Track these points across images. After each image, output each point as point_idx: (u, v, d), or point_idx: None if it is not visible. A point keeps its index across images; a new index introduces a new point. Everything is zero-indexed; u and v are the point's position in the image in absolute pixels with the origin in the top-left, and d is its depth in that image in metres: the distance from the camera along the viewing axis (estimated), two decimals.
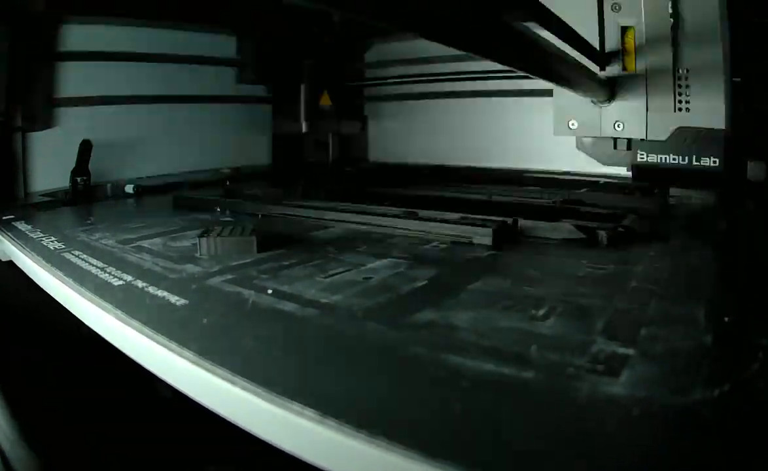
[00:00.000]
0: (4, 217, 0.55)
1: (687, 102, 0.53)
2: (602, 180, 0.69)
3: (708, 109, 0.52)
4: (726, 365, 0.22)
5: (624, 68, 0.55)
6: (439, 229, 0.41)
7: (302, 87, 0.95)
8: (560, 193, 0.59)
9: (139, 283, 0.31)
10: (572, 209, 0.49)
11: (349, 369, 0.21)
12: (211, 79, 0.97)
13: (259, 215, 0.52)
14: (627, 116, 0.56)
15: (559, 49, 0.38)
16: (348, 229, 0.46)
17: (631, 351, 0.22)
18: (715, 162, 0.53)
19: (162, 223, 0.50)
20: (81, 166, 0.68)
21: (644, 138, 0.56)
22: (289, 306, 0.27)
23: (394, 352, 0.23)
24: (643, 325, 0.25)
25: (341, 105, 1.03)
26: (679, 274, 0.33)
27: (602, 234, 0.38)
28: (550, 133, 0.64)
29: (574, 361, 0.21)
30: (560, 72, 0.40)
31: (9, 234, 0.48)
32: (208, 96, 0.96)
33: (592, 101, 0.57)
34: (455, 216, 0.42)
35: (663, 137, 0.54)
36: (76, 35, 0.75)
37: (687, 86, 0.53)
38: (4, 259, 0.50)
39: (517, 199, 0.58)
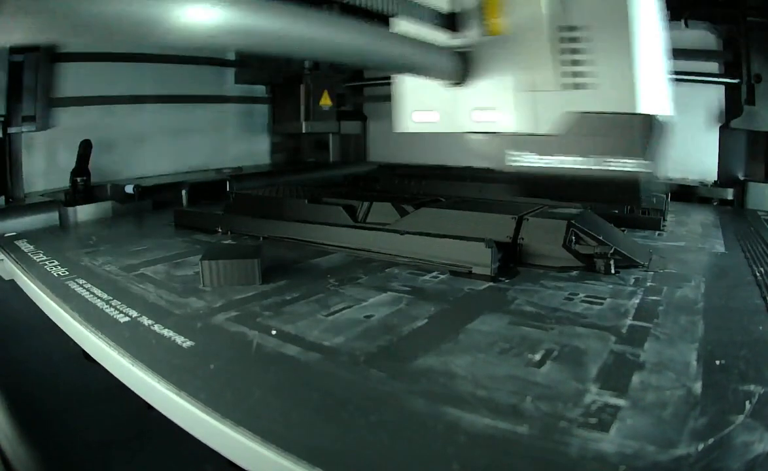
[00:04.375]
0: (6, 235, 0.56)
1: (582, 74, 0.34)
2: None
3: (615, 87, 0.33)
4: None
5: (488, 30, 0.36)
6: (438, 256, 0.42)
7: (302, 87, 0.95)
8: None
9: (145, 320, 0.32)
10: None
11: (349, 423, 0.22)
12: (211, 79, 0.97)
13: (261, 238, 0.53)
14: (494, 99, 0.37)
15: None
16: (348, 254, 0.47)
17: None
18: (633, 164, 0.35)
19: (164, 245, 0.51)
20: (81, 166, 0.69)
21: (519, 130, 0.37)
22: (292, 349, 0.28)
23: (394, 404, 0.23)
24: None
25: (341, 105, 1.03)
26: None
27: (599, 262, 0.40)
28: None
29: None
30: (383, 54, 0.29)
31: (12, 255, 0.48)
32: (208, 96, 0.96)
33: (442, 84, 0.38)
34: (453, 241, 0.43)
35: (545, 129, 0.36)
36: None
37: (578, 50, 0.34)
38: (6, 278, 0.50)
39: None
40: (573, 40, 0.34)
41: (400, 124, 0.43)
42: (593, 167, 0.35)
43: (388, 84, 0.45)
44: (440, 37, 0.36)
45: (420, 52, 0.33)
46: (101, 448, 0.34)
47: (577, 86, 0.34)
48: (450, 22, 0.37)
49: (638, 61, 0.33)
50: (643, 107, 0.34)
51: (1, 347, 0.45)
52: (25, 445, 0.34)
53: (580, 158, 0.36)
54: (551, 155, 0.37)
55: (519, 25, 0.35)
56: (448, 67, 0.36)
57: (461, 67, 0.37)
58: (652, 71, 0.35)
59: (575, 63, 0.34)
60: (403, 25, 0.34)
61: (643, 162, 0.35)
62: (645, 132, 0.34)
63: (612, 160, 0.35)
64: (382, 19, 0.31)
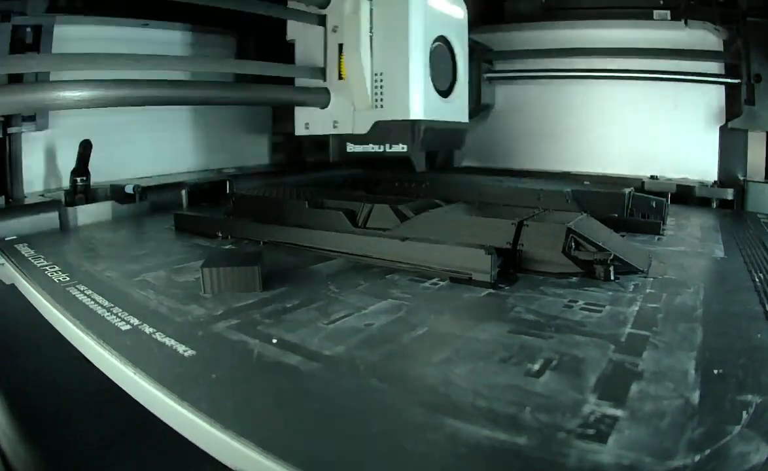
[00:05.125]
0: (6, 238, 0.56)
1: (381, 100, 0.66)
2: None
3: (397, 105, 0.65)
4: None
5: (339, 77, 0.68)
6: (438, 262, 0.42)
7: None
8: None
9: (147, 328, 0.32)
10: None
11: (349, 433, 0.22)
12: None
13: (261, 242, 0.53)
14: (341, 115, 0.69)
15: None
16: (348, 260, 0.47)
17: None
18: (403, 148, 0.65)
19: (164, 250, 0.51)
20: (81, 167, 0.69)
21: (352, 132, 0.68)
22: (293, 358, 0.28)
23: (394, 414, 0.24)
24: None
25: None
26: None
27: (599, 269, 0.40)
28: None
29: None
30: (285, 100, 0.68)
31: (13, 260, 0.48)
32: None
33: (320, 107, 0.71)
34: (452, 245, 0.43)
35: (365, 131, 0.67)
36: (74, 36, 0.74)
37: (381, 87, 0.65)
38: (7, 282, 0.50)
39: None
40: (379, 81, 0.66)
41: (298, 130, 0.74)
42: (381, 150, 0.67)
43: None
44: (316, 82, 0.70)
45: (301, 94, 0.70)
46: (101, 448, 0.34)
47: (378, 106, 0.66)
48: (322, 73, 0.70)
49: (411, 93, 0.64)
50: (412, 116, 0.65)
51: (1, 347, 0.46)
52: (25, 445, 0.34)
53: (378, 146, 0.67)
54: (366, 144, 0.68)
55: (351, 73, 0.66)
56: (318, 99, 0.69)
57: (325, 98, 0.69)
58: (425, 97, 0.66)
59: (378, 93, 0.66)
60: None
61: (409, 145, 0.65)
62: (413, 129, 0.65)
63: (395, 145, 0.66)
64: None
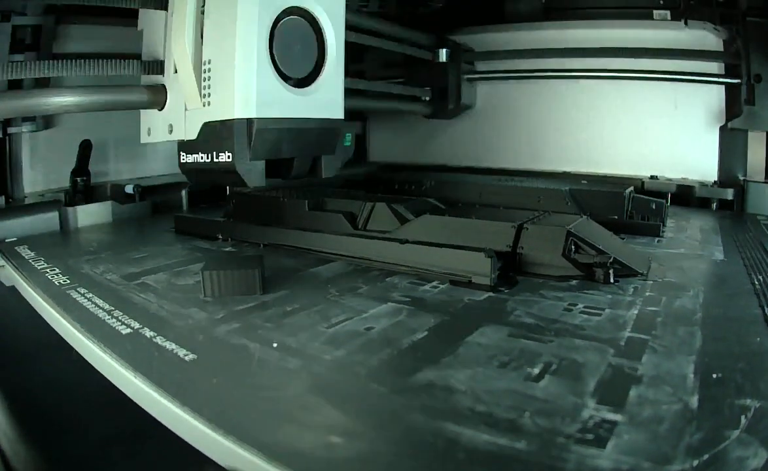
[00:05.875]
0: (6, 240, 0.56)
1: (209, 95, 0.49)
2: None
3: (223, 100, 0.48)
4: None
5: (175, 70, 0.52)
6: (438, 265, 0.42)
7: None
8: None
9: (147, 332, 0.32)
10: None
11: (350, 439, 0.22)
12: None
13: (261, 245, 0.53)
14: (175, 118, 0.53)
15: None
16: (348, 262, 0.47)
17: None
18: (229, 156, 0.48)
19: (164, 253, 0.51)
20: (81, 167, 0.69)
21: (184, 138, 0.52)
22: (294, 363, 0.28)
23: (395, 419, 0.24)
24: None
25: None
26: None
27: (599, 272, 0.40)
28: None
29: None
30: (104, 103, 0.51)
31: (13, 262, 0.49)
32: None
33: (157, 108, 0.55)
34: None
35: (194, 135, 0.51)
36: (74, 35, 0.74)
37: (209, 78, 0.49)
38: (7, 284, 0.50)
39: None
40: (207, 71, 0.49)
41: (143, 137, 0.59)
42: (205, 160, 0.51)
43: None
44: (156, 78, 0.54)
45: (125, 94, 0.54)
46: (101, 448, 0.34)
47: (207, 104, 0.50)
48: (159, 67, 0.54)
49: (236, 83, 0.48)
50: (239, 114, 0.48)
51: (1, 348, 0.46)
52: (25, 445, 0.34)
53: (206, 155, 0.51)
54: (196, 153, 0.52)
55: (180, 64, 0.50)
56: (148, 100, 0.54)
57: (156, 98, 0.54)
58: (263, 88, 0.49)
59: (206, 87, 0.50)
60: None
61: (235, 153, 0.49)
62: (240, 132, 0.49)
63: (221, 153, 0.49)
64: None
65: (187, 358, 0.29)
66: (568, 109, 1.00)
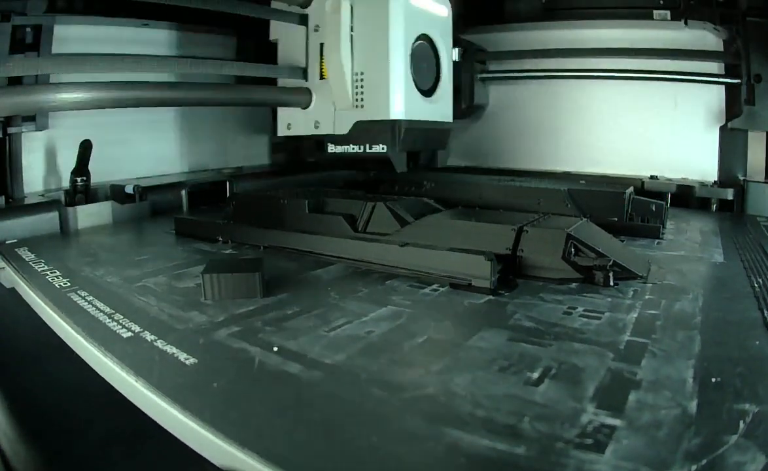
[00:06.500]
0: (7, 241, 0.56)
1: (362, 99, 0.65)
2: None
3: (377, 104, 0.64)
4: None
5: (321, 77, 0.67)
6: (438, 268, 0.42)
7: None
8: None
9: (148, 336, 0.32)
10: None
11: (351, 443, 0.22)
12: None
13: (261, 247, 0.53)
14: (322, 116, 0.68)
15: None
16: (348, 265, 0.47)
17: None
18: (383, 148, 0.64)
19: (165, 255, 0.51)
20: (81, 167, 0.69)
21: (333, 133, 0.68)
22: (294, 367, 0.28)
23: (395, 424, 0.24)
24: None
25: None
26: None
27: (598, 275, 0.40)
28: None
29: None
30: (266, 100, 0.69)
31: (13, 264, 0.49)
32: None
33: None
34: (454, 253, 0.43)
35: (345, 131, 0.66)
36: (74, 35, 0.74)
37: (362, 86, 0.64)
38: (7, 286, 0.50)
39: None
40: (359, 80, 0.65)
41: (281, 131, 0.74)
42: (361, 150, 0.66)
43: None
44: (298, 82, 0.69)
45: (282, 94, 0.70)
46: (101, 448, 0.34)
47: (358, 106, 0.65)
48: (304, 73, 0.70)
49: (391, 92, 0.64)
50: (392, 116, 0.64)
51: (1, 348, 0.46)
52: (25, 445, 0.34)
53: (358, 147, 0.66)
54: (347, 144, 0.67)
55: (332, 73, 0.65)
56: (300, 99, 0.68)
57: (306, 98, 0.69)
58: (406, 96, 0.65)
59: (358, 93, 0.65)
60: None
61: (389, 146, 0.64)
62: (393, 129, 0.65)
63: (375, 145, 0.65)
64: None
65: (187, 362, 0.29)
66: (568, 109, 1.00)
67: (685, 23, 0.87)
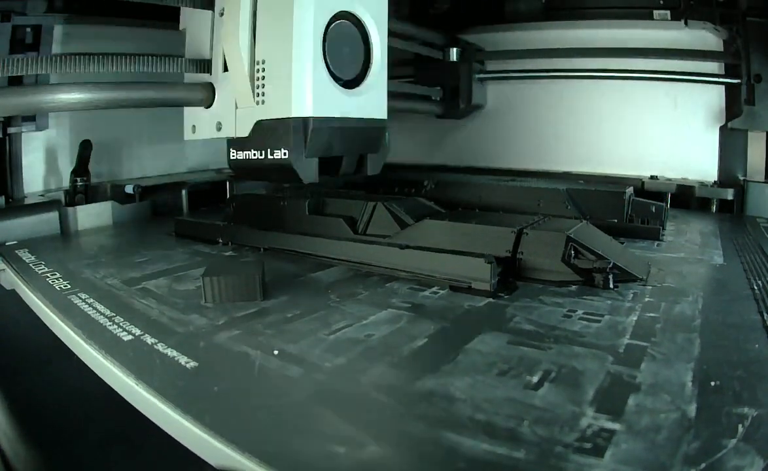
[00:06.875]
0: (7, 243, 0.56)
1: (263, 94, 0.51)
2: None
3: (280, 99, 0.50)
4: None
5: (224, 69, 0.54)
6: (438, 271, 0.42)
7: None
8: None
9: (148, 339, 0.32)
10: None
11: (351, 447, 0.22)
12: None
13: (261, 249, 0.53)
14: (224, 115, 0.55)
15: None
16: (348, 267, 0.47)
17: None
18: (285, 154, 0.50)
19: (165, 257, 0.52)
20: (81, 167, 0.69)
21: (234, 136, 0.54)
22: (295, 371, 0.28)
23: (396, 429, 0.24)
24: None
25: None
26: None
27: (598, 277, 0.40)
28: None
29: None
30: (156, 100, 0.54)
31: (14, 266, 0.49)
32: None
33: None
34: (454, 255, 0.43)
35: (246, 133, 0.53)
36: (73, 35, 0.74)
37: (263, 78, 0.51)
38: (8, 288, 0.50)
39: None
40: (261, 70, 0.51)
41: (186, 134, 0.60)
42: (258, 157, 0.52)
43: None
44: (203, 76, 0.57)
45: (175, 91, 0.56)
46: (101, 448, 0.34)
47: (260, 102, 0.51)
48: (207, 65, 0.57)
49: (293, 83, 0.49)
50: (296, 113, 0.50)
51: (1, 349, 0.46)
52: (25, 445, 0.34)
53: (259, 152, 0.52)
54: (248, 150, 0.53)
55: (231, 63, 0.52)
56: (197, 97, 0.56)
57: (206, 96, 0.56)
58: (318, 88, 0.50)
59: (260, 85, 0.51)
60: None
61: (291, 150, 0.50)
62: (297, 130, 0.50)
63: (276, 150, 0.51)
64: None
65: (188, 365, 0.29)
66: (568, 109, 1.00)
67: (685, 23, 0.86)
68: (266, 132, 0.51)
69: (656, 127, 0.92)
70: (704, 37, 0.87)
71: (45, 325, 0.38)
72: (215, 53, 0.56)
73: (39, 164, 0.75)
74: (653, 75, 0.90)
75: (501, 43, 1.02)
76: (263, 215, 0.58)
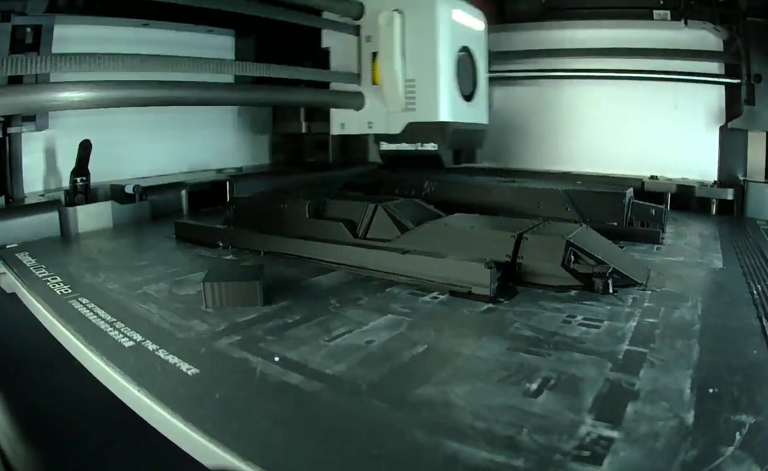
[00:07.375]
0: (7, 246, 0.56)
1: (413, 103, 0.72)
2: None
3: (428, 108, 0.71)
4: None
5: (373, 82, 0.74)
6: (438, 276, 0.43)
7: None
8: None
9: (150, 345, 0.33)
10: None
11: (352, 455, 0.23)
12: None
13: (262, 253, 0.53)
14: (375, 117, 0.76)
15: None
16: (348, 272, 0.47)
17: None
18: (434, 146, 0.73)
19: (165, 261, 0.52)
20: (80, 167, 0.69)
21: (386, 132, 0.75)
22: (295, 378, 0.29)
23: (395, 436, 0.24)
24: None
25: None
26: None
27: (598, 282, 0.40)
28: None
29: None
30: (324, 102, 0.78)
31: (14, 270, 0.49)
32: None
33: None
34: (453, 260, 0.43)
35: (398, 131, 0.73)
36: (73, 35, 0.74)
37: (413, 91, 0.71)
38: (8, 291, 0.50)
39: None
40: (410, 86, 0.72)
41: (334, 129, 0.81)
42: (413, 148, 0.75)
43: None
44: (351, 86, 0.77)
45: (340, 97, 0.77)
46: (101, 448, 0.34)
47: (410, 108, 0.72)
48: (357, 78, 0.77)
49: (440, 97, 0.71)
50: (441, 118, 0.72)
51: (1, 349, 0.46)
52: (25, 445, 0.35)
53: (410, 145, 0.75)
54: (399, 143, 0.75)
55: (385, 79, 0.72)
56: (355, 102, 0.76)
57: (360, 101, 0.76)
58: (452, 101, 0.73)
59: (410, 96, 0.72)
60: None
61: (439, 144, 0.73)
62: (443, 130, 0.72)
63: (426, 144, 0.74)
64: None
65: (189, 372, 0.29)
66: (568, 109, 1.00)
67: (685, 23, 0.86)
68: (417, 131, 0.72)
69: (656, 127, 0.92)
70: (704, 37, 0.87)
71: (46, 328, 0.38)
72: (363, 69, 0.75)
73: (39, 164, 0.75)
74: (653, 75, 0.90)
75: (500, 43, 1.02)
76: (264, 218, 0.58)
